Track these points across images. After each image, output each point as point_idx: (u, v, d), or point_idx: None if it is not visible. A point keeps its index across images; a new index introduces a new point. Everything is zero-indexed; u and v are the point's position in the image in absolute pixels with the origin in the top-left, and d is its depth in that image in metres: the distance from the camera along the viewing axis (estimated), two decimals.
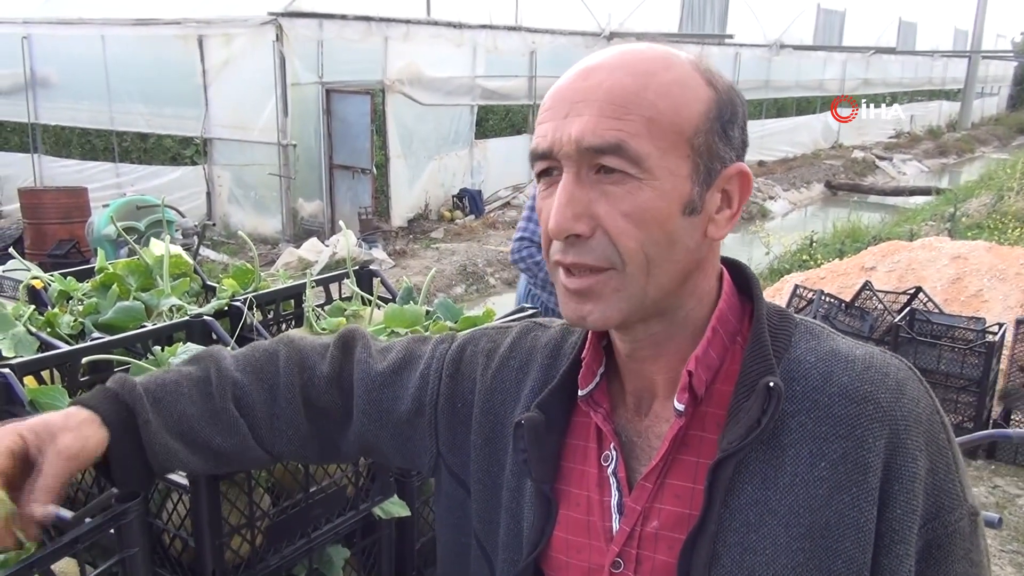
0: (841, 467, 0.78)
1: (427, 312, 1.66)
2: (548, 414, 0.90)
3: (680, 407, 0.82)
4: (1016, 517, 4.11)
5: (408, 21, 10.45)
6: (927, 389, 0.84)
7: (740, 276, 0.90)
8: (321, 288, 1.88)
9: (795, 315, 0.89)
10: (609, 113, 0.77)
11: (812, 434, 0.79)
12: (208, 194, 10.22)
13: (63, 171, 10.80)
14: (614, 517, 0.87)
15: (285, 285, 1.81)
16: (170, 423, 0.99)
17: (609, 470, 0.88)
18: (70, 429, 0.90)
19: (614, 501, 0.87)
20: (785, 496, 0.78)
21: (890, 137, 23.22)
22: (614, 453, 0.87)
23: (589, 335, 0.91)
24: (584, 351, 0.91)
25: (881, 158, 19.86)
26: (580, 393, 0.89)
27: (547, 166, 0.82)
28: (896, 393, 0.80)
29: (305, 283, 1.75)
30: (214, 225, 9.60)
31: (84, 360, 1.30)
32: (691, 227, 0.81)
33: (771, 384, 0.78)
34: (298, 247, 9.19)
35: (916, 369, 0.85)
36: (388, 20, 10.14)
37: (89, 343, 1.38)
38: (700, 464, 0.82)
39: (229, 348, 1.43)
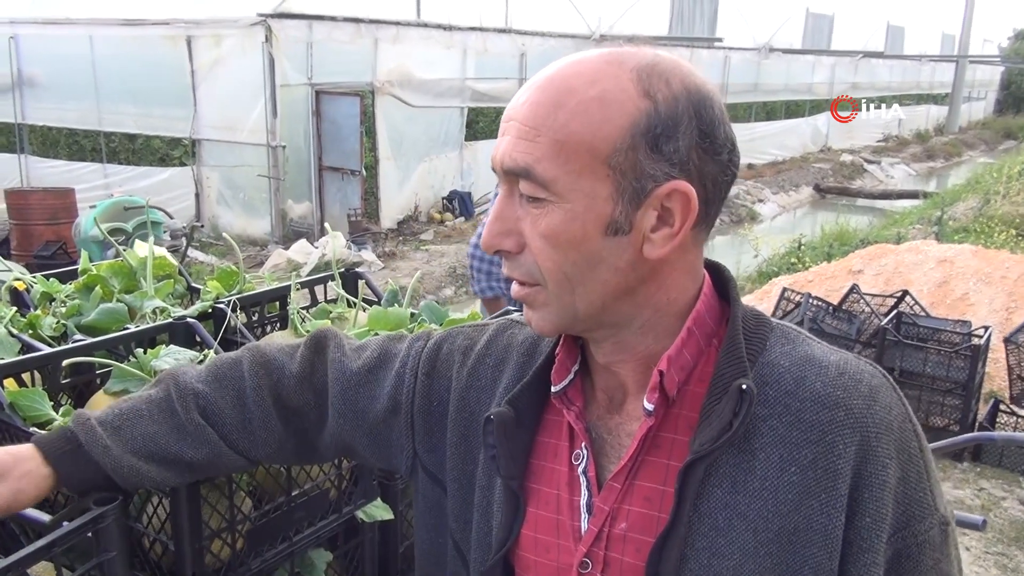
0: (811, 473, 0.77)
1: (412, 314, 1.65)
2: (519, 410, 0.90)
3: (650, 407, 0.82)
4: (1001, 519, 4.13)
5: (398, 23, 10.45)
6: (900, 397, 0.83)
7: (719, 278, 0.89)
8: (307, 290, 1.88)
9: (772, 319, 0.89)
10: (523, 135, 0.78)
11: (783, 439, 0.79)
12: (197, 195, 10.19)
13: (50, 172, 10.74)
14: (583, 517, 0.86)
15: (270, 287, 1.80)
16: (135, 446, 0.99)
17: (579, 469, 0.87)
18: (8, 479, 0.93)
19: (583, 500, 0.87)
20: (754, 501, 0.78)
21: (878, 141, 23.37)
22: (585, 452, 0.87)
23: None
24: (558, 348, 0.90)
25: (869, 161, 19.97)
26: (553, 389, 0.89)
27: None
28: (868, 400, 0.80)
29: (290, 285, 1.75)
30: (203, 227, 9.57)
31: (65, 362, 1.28)
32: (618, 247, 0.79)
33: (743, 387, 0.78)
34: (287, 249, 9.16)
35: (890, 376, 0.85)
36: (378, 22, 10.14)
37: (71, 345, 1.37)
38: (671, 466, 0.82)
39: (211, 351, 1.43)
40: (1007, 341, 4.41)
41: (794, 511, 0.77)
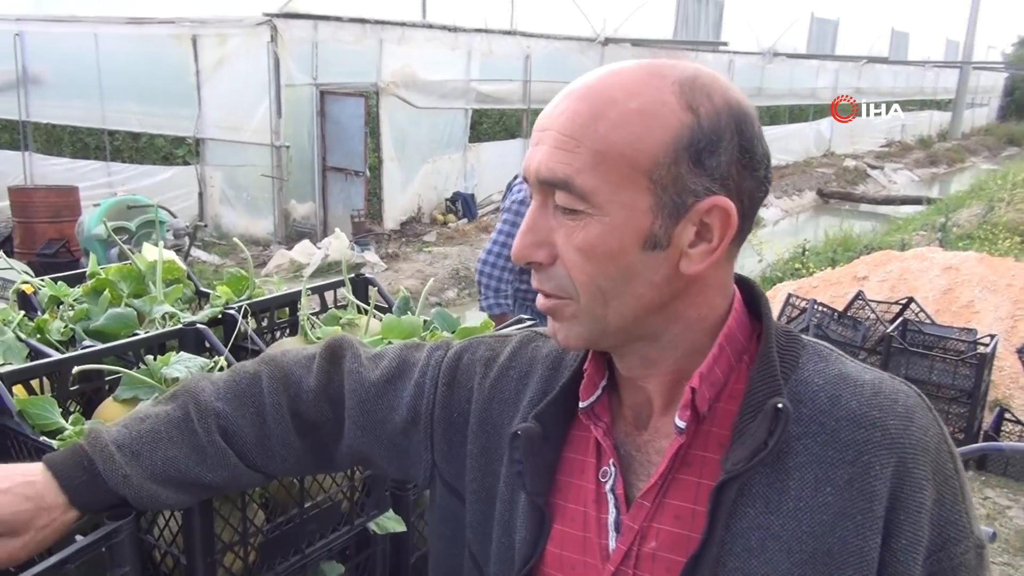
0: (846, 493, 0.76)
1: (424, 322, 1.64)
2: (545, 426, 0.88)
3: (681, 424, 0.80)
4: (1007, 529, 4.11)
5: (403, 24, 10.44)
6: (935, 417, 0.82)
7: (749, 294, 0.88)
8: (316, 295, 1.86)
9: (803, 336, 0.87)
10: (561, 145, 0.76)
11: (818, 458, 0.77)
12: (200, 194, 10.18)
13: (54, 169, 10.74)
14: (611, 535, 0.85)
15: (280, 293, 1.78)
16: (155, 471, 0.96)
17: (607, 486, 0.86)
18: (29, 530, 0.90)
19: (611, 518, 0.85)
20: (788, 521, 0.77)
21: (881, 146, 23.36)
22: (612, 469, 0.86)
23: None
24: (586, 363, 0.89)
25: (872, 167, 19.95)
26: (581, 405, 0.87)
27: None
28: (905, 420, 0.78)
29: (300, 291, 1.73)
30: (206, 226, 9.57)
31: (75, 370, 1.27)
32: (655, 262, 0.78)
33: (779, 406, 0.76)
34: (290, 249, 9.16)
35: (924, 395, 0.84)
36: (383, 22, 10.13)
37: (80, 351, 1.35)
38: (701, 485, 0.81)
39: (222, 358, 1.41)
40: (1020, 353, 4.38)
41: (829, 532, 0.76)
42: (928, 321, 5.33)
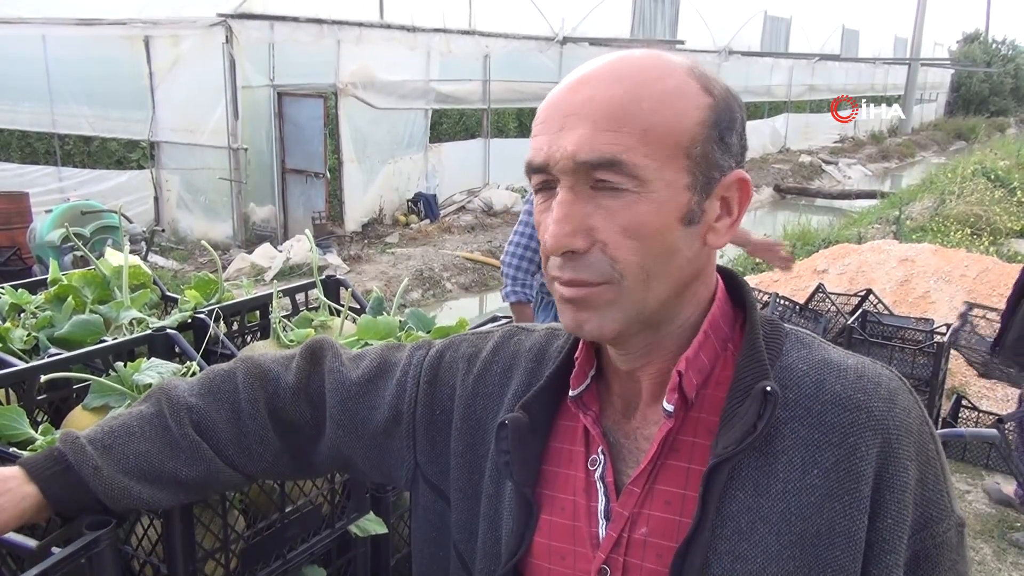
0: (833, 475, 0.78)
1: (399, 322, 1.62)
2: (532, 415, 0.89)
3: (670, 408, 0.81)
4: (967, 513, 4.21)
5: (361, 24, 10.35)
6: (916, 399, 0.84)
7: (732, 283, 0.90)
8: (287, 298, 1.84)
9: (785, 324, 0.89)
10: (603, 127, 0.76)
11: (805, 441, 0.79)
12: (156, 199, 9.97)
13: (2, 175, 10.42)
14: (601, 523, 0.85)
15: (250, 296, 1.76)
16: (127, 465, 0.96)
17: (596, 474, 0.86)
18: None
19: (601, 506, 0.85)
20: (777, 503, 0.78)
21: (835, 142, 23.76)
22: (602, 457, 0.86)
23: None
24: (577, 353, 0.89)
25: (827, 162, 20.30)
26: (571, 394, 0.88)
27: (544, 180, 0.80)
28: (888, 403, 0.80)
29: (271, 293, 1.71)
30: (163, 231, 9.38)
31: (44, 378, 1.23)
32: (690, 237, 0.80)
33: (768, 389, 0.78)
34: (250, 253, 9.02)
35: (905, 379, 0.86)
36: (340, 23, 10.03)
37: (47, 360, 1.31)
38: (691, 470, 0.81)
39: (194, 363, 1.38)
40: (954, 346, 4.49)
41: (816, 513, 0.77)
42: (886, 312, 5.44)
